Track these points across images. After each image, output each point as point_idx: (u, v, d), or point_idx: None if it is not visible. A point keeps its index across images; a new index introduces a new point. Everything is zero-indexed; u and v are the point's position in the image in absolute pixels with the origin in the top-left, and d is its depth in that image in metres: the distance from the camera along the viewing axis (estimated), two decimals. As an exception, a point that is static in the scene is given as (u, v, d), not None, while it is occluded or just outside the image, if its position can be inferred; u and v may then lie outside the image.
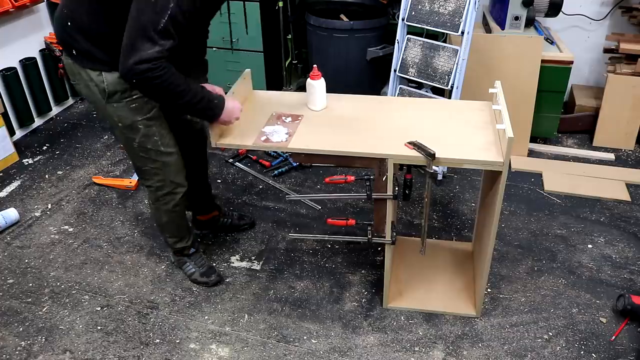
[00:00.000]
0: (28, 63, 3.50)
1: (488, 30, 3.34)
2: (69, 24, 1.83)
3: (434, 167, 1.87)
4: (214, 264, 2.49)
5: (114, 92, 1.88)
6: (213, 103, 1.88)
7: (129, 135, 1.98)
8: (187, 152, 2.26)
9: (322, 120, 2.10)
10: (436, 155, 1.81)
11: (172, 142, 2.06)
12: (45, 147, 3.46)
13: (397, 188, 1.94)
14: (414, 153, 1.85)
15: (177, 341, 2.13)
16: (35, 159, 3.33)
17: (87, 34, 1.82)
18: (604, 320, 2.21)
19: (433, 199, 2.91)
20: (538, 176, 3.11)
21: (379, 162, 1.90)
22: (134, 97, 1.90)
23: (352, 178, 2.02)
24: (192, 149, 2.34)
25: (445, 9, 2.80)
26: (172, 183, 2.11)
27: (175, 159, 2.08)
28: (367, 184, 1.97)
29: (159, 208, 2.19)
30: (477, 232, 2.42)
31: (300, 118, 2.10)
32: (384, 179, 1.91)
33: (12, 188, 3.06)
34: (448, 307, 2.24)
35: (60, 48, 3.68)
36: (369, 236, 2.06)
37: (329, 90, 2.19)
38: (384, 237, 2.06)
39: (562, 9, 3.29)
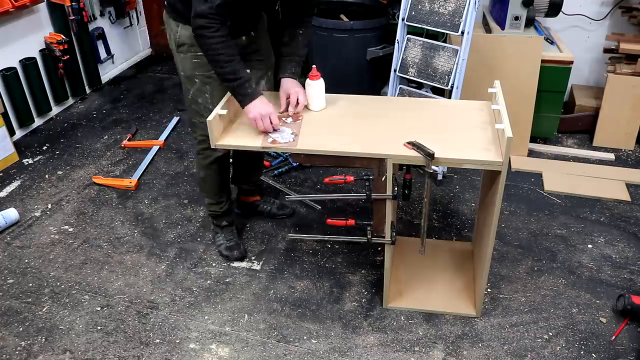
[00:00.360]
0: (28, 63, 3.50)
1: (488, 30, 3.34)
2: None
3: (433, 167, 1.87)
4: (214, 264, 2.49)
5: (182, 44, 2.12)
6: (245, 90, 2.00)
7: (187, 85, 2.20)
8: None
9: (322, 120, 2.10)
10: (435, 155, 1.81)
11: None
12: (45, 147, 3.46)
13: (396, 188, 1.94)
14: (413, 153, 1.85)
15: (177, 341, 2.13)
16: (35, 159, 3.34)
17: None
18: (604, 320, 2.21)
19: (433, 199, 2.91)
20: (538, 176, 3.11)
21: (379, 162, 1.90)
22: (199, 53, 2.05)
23: (352, 178, 2.02)
24: None
25: (445, 9, 2.80)
26: None
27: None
28: (367, 184, 1.97)
29: (199, 162, 2.36)
30: (477, 232, 2.42)
31: (300, 118, 2.10)
32: (383, 179, 1.91)
33: (12, 188, 3.07)
34: (448, 307, 2.24)
35: (61, 48, 3.70)
36: (369, 236, 2.06)
37: (329, 90, 2.19)
38: (384, 237, 2.06)
39: (562, 9, 3.29)
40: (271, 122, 2.00)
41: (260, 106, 2.00)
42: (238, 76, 1.98)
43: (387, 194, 1.94)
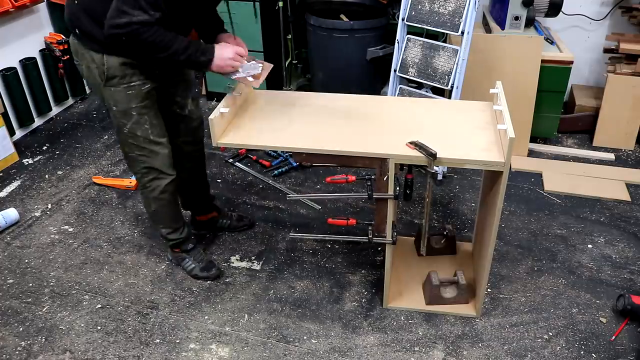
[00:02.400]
0: (28, 63, 3.50)
1: (488, 30, 3.34)
2: (76, 2, 1.89)
3: (434, 167, 1.87)
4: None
5: (113, 77, 1.94)
6: (202, 46, 1.90)
7: (121, 120, 2.03)
8: (183, 150, 2.30)
9: (323, 119, 2.09)
10: (437, 155, 1.81)
11: (162, 133, 2.11)
12: (45, 147, 3.46)
13: (398, 188, 1.94)
14: (415, 153, 1.85)
15: (177, 341, 2.13)
16: (35, 159, 3.33)
17: (91, 14, 1.86)
18: (604, 320, 2.21)
19: (433, 199, 2.91)
20: (538, 176, 3.11)
21: (381, 162, 1.90)
22: (132, 84, 1.96)
23: (353, 178, 2.02)
24: (188, 147, 2.36)
25: (445, 9, 2.80)
26: (157, 170, 2.14)
27: (163, 149, 2.12)
28: (368, 183, 1.97)
29: (147, 196, 2.23)
30: (477, 232, 2.42)
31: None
32: (385, 179, 1.91)
33: (12, 188, 3.06)
34: (446, 307, 2.23)
35: (61, 48, 3.70)
36: (370, 236, 2.06)
37: (329, 90, 2.19)
38: (385, 237, 2.06)
39: (562, 9, 3.29)
40: (237, 57, 1.96)
41: (223, 50, 1.92)
42: (187, 43, 1.84)
43: (388, 194, 1.94)
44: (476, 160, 1.83)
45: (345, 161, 1.94)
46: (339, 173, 2.12)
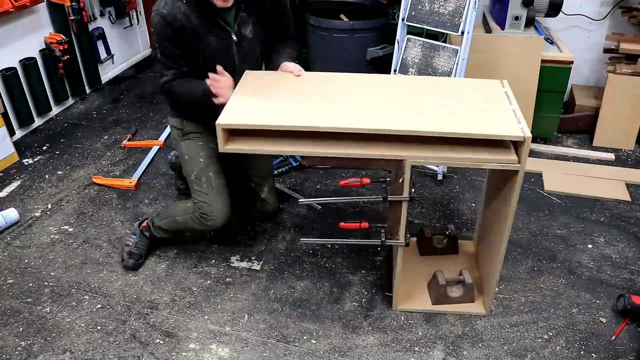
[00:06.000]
0: (28, 63, 3.50)
1: (488, 30, 3.34)
2: None
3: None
4: (214, 264, 2.49)
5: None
6: (205, 91, 2.09)
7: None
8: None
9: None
10: (451, 155, 1.80)
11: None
12: (45, 147, 3.46)
13: (412, 190, 1.92)
14: (430, 153, 1.82)
15: (177, 341, 2.13)
16: (35, 159, 3.33)
17: None
18: (604, 320, 2.21)
19: (433, 199, 2.91)
20: (538, 176, 3.11)
21: (397, 164, 1.85)
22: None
23: (368, 180, 1.97)
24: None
25: (445, 9, 2.80)
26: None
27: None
28: (383, 186, 1.94)
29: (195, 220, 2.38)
30: (480, 231, 2.42)
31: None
32: (400, 181, 1.89)
33: (12, 188, 3.06)
34: (457, 306, 2.22)
35: (61, 48, 3.69)
36: (383, 238, 2.04)
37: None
38: (398, 239, 2.04)
39: (562, 9, 3.29)
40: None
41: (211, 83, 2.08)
42: (198, 89, 2.13)
43: (404, 196, 1.91)
44: (491, 159, 1.82)
45: (359, 163, 1.89)
46: (345, 174, 2.09)
